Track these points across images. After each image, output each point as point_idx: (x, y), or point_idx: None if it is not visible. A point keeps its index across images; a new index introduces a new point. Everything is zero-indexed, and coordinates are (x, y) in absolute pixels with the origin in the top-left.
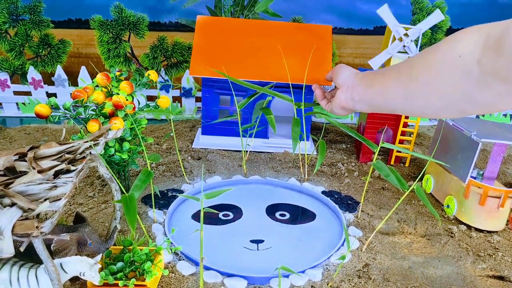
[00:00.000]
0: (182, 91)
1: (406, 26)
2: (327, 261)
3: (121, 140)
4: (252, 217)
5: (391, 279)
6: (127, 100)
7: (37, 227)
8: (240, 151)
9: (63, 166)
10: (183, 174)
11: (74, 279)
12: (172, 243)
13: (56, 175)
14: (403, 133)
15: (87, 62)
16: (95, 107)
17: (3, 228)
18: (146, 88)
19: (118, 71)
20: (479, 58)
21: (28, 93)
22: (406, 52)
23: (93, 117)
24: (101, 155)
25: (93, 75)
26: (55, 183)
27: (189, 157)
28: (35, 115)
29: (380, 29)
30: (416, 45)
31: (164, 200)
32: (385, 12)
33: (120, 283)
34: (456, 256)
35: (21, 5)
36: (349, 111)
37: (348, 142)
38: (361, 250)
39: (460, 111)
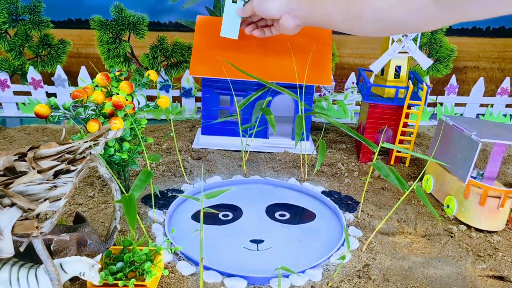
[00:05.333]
0: (182, 91)
1: None
2: (327, 261)
3: (121, 140)
4: (252, 217)
5: (391, 279)
6: (127, 100)
7: (37, 227)
8: (240, 151)
9: (63, 166)
10: (183, 174)
11: (74, 279)
12: (172, 243)
13: (56, 175)
14: (403, 133)
15: (87, 62)
16: (95, 107)
17: (3, 228)
18: (146, 88)
19: (118, 71)
20: None
21: (28, 93)
22: (406, 52)
23: (93, 117)
24: (101, 155)
25: (93, 75)
26: (55, 183)
27: (189, 157)
28: (35, 115)
29: None
30: (415, 43)
31: (164, 200)
32: None
33: (120, 283)
34: (456, 256)
35: (21, 5)
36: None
37: (348, 142)
38: (361, 250)
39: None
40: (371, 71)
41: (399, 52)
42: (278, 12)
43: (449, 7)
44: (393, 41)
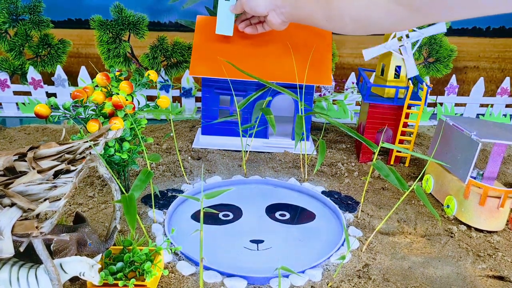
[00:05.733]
0: (182, 91)
1: None
2: (327, 261)
3: (121, 140)
4: (252, 217)
5: (391, 279)
6: (126, 100)
7: (37, 227)
8: (240, 151)
9: (63, 166)
10: (183, 174)
11: (74, 279)
12: (172, 243)
13: (56, 175)
14: (403, 133)
15: (87, 62)
16: (95, 107)
17: (3, 228)
18: (146, 88)
19: (118, 71)
20: None
21: (28, 93)
22: (401, 53)
23: (93, 117)
24: (101, 155)
25: (93, 75)
26: (55, 183)
27: (189, 157)
28: (35, 115)
29: None
30: (413, 48)
31: (164, 200)
32: None
33: (120, 283)
34: (456, 256)
35: (21, 5)
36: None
37: (348, 142)
38: (361, 250)
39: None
40: (371, 71)
41: (394, 50)
42: (265, 9)
43: (410, 9)
44: (394, 36)
